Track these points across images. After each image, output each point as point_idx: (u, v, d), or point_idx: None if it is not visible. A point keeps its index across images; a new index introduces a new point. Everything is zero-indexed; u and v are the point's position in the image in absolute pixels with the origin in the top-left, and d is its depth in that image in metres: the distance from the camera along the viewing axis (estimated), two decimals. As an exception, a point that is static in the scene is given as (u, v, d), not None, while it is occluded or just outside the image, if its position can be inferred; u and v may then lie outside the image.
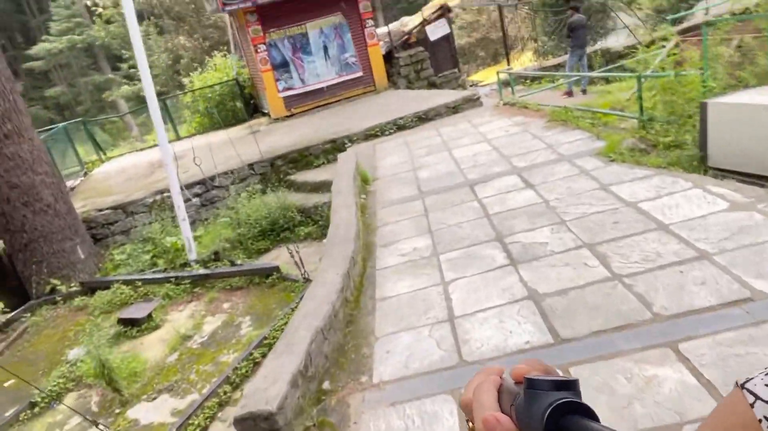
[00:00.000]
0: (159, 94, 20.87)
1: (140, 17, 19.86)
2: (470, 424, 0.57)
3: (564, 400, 0.45)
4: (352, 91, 14.58)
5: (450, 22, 15.25)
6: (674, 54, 9.92)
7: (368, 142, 10.43)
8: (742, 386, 0.50)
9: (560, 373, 0.53)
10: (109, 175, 13.17)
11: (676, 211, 4.63)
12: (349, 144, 10.38)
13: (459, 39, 31.54)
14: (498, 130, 8.90)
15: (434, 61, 15.24)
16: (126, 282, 7.59)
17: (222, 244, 8.48)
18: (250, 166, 10.24)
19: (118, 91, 23.73)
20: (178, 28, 17.95)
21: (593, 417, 0.45)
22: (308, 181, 9.66)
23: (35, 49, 40.44)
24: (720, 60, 7.48)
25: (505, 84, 16.24)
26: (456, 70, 15.62)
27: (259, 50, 13.54)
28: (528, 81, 15.77)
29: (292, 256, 6.38)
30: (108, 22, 19.84)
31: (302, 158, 10.38)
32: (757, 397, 0.48)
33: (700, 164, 5.86)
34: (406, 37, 14.93)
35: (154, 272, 7.96)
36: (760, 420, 0.47)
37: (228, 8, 12.77)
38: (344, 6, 13.95)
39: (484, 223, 5.48)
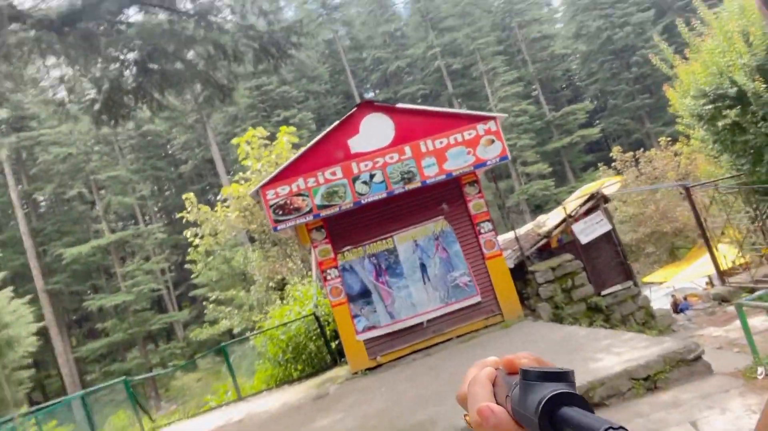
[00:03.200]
0: (241, 333, 17.86)
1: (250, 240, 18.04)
2: (467, 418, 0.55)
3: (558, 391, 0.44)
4: (468, 325, 9.38)
5: (609, 215, 10.02)
6: None
7: (468, 458, 4.89)
8: None
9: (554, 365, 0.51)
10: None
11: None
12: (429, 464, 4.91)
13: (622, 235, 25.60)
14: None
15: (593, 273, 9.73)
16: None
17: None
18: None
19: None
20: (270, 252, 15.19)
21: (587, 407, 0.44)
22: None
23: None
24: None
25: (721, 300, 9.90)
26: (631, 283, 9.84)
27: (329, 277, 9.31)
28: (749, 294, 9.35)
29: None
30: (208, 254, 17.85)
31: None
32: None
33: None
34: (543, 241, 9.86)
35: None
36: None
37: (282, 226, 9.02)
38: (447, 207, 9.55)
39: None
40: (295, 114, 43.65)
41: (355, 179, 9.03)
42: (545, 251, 9.87)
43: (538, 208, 44.13)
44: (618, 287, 9.83)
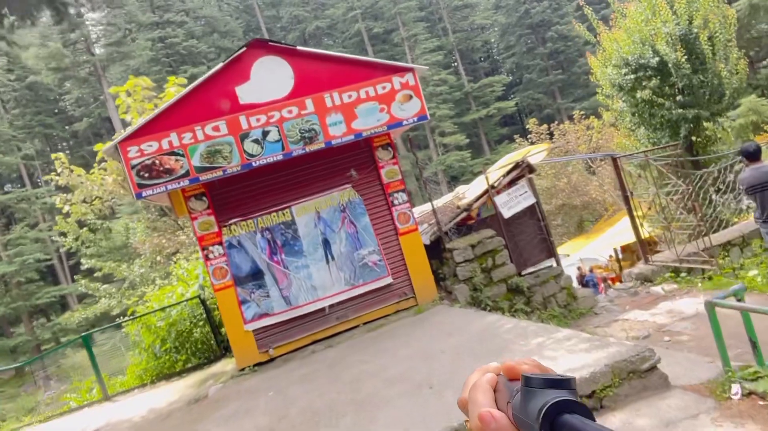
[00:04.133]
0: (117, 317, 15.62)
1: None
2: (468, 424, 0.55)
3: (560, 399, 0.44)
4: (378, 311, 8.09)
5: (534, 186, 8.99)
6: None
7: None
8: None
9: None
10: None
11: None
12: None
13: (535, 207, 25.44)
14: None
15: (515, 251, 8.71)
16: None
17: None
18: None
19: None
20: (157, 222, 13.11)
21: (589, 416, 0.43)
22: None
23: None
24: None
25: (644, 280, 9.22)
26: (553, 261, 8.94)
27: (211, 255, 7.61)
28: (673, 274, 8.74)
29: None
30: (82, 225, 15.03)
31: None
32: None
33: None
34: (463, 215, 8.67)
35: None
36: None
37: (148, 192, 7.15)
38: (355, 174, 8.07)
39: None
40: (204, 71, 40.01)
41: (243, 136, 7.30)
42: (464, 226, 8.72)
43: (455, 179, 43.90)
44: (540, 266, 8.90)
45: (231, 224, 7.69)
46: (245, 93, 7.34)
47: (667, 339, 6.79)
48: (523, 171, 8.80)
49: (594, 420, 0.43)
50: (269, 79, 7.39)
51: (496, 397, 0.52)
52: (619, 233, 18.69)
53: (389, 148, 8.15)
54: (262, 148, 7.33)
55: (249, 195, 7.76)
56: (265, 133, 7.34)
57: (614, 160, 9.55)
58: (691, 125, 13.85)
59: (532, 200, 8.75)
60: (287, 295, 7.79)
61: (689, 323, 7.07)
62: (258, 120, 7.32)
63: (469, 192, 9.66)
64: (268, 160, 7.39)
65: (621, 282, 18.69)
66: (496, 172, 9.13)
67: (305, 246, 7.90)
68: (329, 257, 7.97)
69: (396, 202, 8.18)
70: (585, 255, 21.68)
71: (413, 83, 7.81)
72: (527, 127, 27.31)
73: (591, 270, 20.11)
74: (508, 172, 8.79)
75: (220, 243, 7.62)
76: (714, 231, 9.10)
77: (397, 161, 8.19)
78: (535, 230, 8.93)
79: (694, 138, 14.62)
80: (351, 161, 8.07)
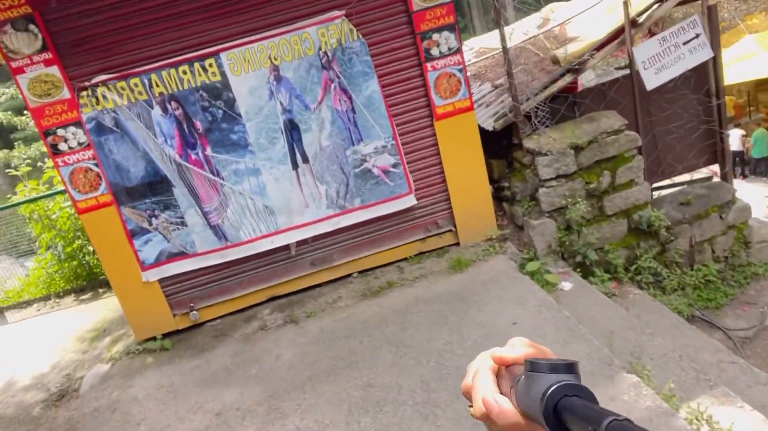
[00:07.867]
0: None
1: None
2: (472, 410, 0.54)
3: (563, 383, 0.44)
4: (384, 252, 4.51)
5: (716, 26, 4.49)
6: None
7: None
8: None
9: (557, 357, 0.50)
10: None
11: None
12: None
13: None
14: None
15: (650, 152, 4.63)
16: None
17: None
18: None
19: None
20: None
21: (592, 399, 0.43)
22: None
23: None
24: None
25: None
26: (716, 173, 4.89)
27: (63, 146, 3.88)
28: None
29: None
30: None
31: None
32: None
33: None
34: (565, 82, 4.42)
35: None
36: None
37: None
38: (354, -14, 3.76)
39: None
40: None
41: None
42: (562, 97, 4.55)
43: None
44: (688, 178, 4.89)
45: (96, 85, 3.79)
46: None
47: None
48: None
49: (597, 403, 0.42)
50: None
51: (499, 382, 0.52)
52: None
53: (430, -73, 3.66)
54: None
55: (129, 25, 3.70)
56: None
57: None
58: None
59: (707, 54, 4.36)
60: (218, 223, 4.20)
61: None
62: None
63: (574, 26, 5.15)
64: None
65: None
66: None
67: (252, 133, 4.04)
68: (299, 156, 4.15)
69: (435, 52, 3.99)
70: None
71: None
72: None
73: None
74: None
75: (78, 123, 3.84)
76: None
77: (446, -41, 3.76)
78: (696, 113, 4.70)
79: None
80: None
